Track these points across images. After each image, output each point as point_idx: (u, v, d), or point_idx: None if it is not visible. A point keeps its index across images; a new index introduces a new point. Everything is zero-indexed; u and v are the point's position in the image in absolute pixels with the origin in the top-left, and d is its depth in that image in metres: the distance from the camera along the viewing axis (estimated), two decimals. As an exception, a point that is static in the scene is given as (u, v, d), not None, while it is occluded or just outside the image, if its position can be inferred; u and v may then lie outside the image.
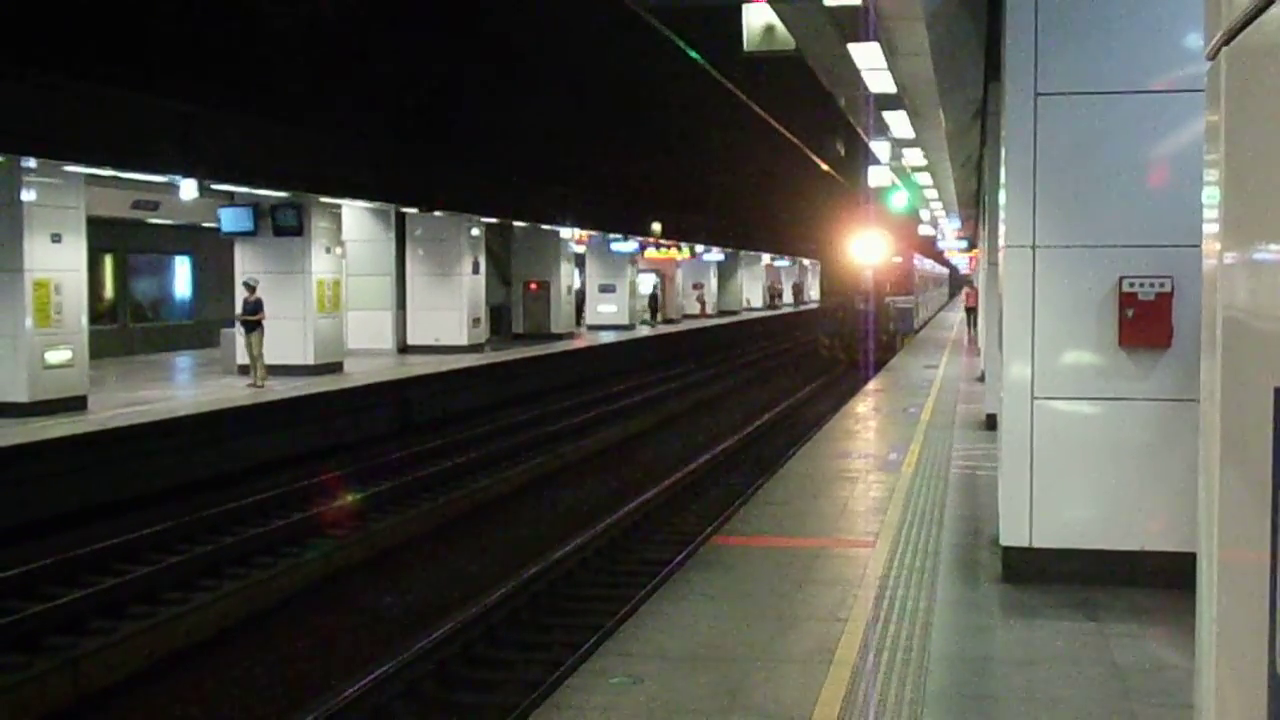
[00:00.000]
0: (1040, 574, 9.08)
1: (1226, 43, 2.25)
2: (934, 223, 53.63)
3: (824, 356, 43.39)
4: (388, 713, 10.06)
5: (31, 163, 18.71)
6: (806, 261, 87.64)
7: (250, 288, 24.10)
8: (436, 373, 27.66)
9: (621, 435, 25.78)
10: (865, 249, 42.33)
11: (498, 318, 39.87)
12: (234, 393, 22.34)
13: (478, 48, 34.20)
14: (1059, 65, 8.95)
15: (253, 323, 23.75)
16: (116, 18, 21.74)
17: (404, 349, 32.86)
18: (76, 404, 19.43)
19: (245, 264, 26.26)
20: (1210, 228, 2.41)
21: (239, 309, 24.33)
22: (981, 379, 21.99)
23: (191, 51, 23.41)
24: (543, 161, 36.56)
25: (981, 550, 10.34)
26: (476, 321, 33.85)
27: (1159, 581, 8.58)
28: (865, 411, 21.16)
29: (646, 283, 54.30)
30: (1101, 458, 9.08)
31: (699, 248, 57.91)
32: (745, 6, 13.13)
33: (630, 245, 46.86)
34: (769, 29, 13.15)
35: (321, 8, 27.63)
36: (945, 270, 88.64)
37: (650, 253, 53.59)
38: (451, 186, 30.74)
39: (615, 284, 47.52)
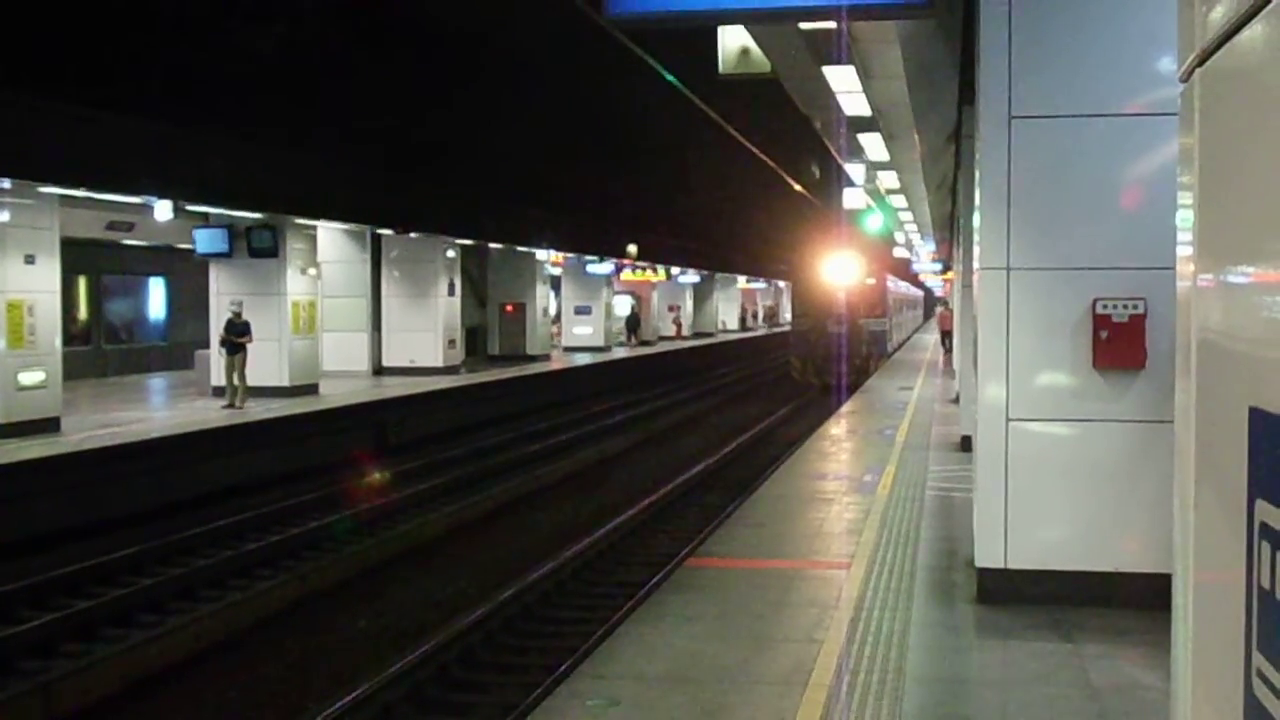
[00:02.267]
0: (1015, 595, 9.09)
1: (1200, 64, 2.27)
2: (909, 245, 53.80)
3: (796, 380, 42.38)
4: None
5: (5, 183, 18.63)
6: (782, 284, 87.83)
7: (236, 310, 24.03)
8: (412, 394, 27.59)
9: (597, 457, 25.76)
10: (837, 270, 41.61)
11: (473, 339, 39.86)
12: (209, 415, 22.26)
13: (454, 70, 34.23)
14: (1033, 88, 9.00)
15: (237, 345, 23.68)
16: (92, 38, 21.70)
17: (379, 371, 32.79)
18: (50, 426, 19.33)
19: (220, 285, 26.22)
20: (1184, 250, 2.42)
21: (221, 330, 24.22)
22: (956, 401, 22.04)
23: (167, 72, 23.36)
24: (519, 184, 36.59)
25: (957, 571, 10.35)
26: (452, 343, 33.81)
27: (1134, 602, 8.60)
28: (841, 433, 21.19)
29: (623, 305, 54.34)
30: (1076, 479, 9.10)
31: (674, 270, 58.00)
32: (721, 29, 13.17)
33: (606, 267, 46.92)
34: (744, 52, 13.19)
35: (298, 29, 27.62)
36: (920, 292, 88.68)
37: (626, 275, 53.64)
38: (427, 208, 30.74)
39: (591, 306, 47.55)
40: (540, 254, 40.48)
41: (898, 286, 55.53)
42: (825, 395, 36.52)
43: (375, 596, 14.66)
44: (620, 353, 47.53)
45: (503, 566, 15.90)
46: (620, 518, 17.73)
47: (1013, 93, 9.01)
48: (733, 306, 78.02)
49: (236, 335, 23.73)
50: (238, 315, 23.94)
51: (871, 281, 43.82)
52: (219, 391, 24.34)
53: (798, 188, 44.82)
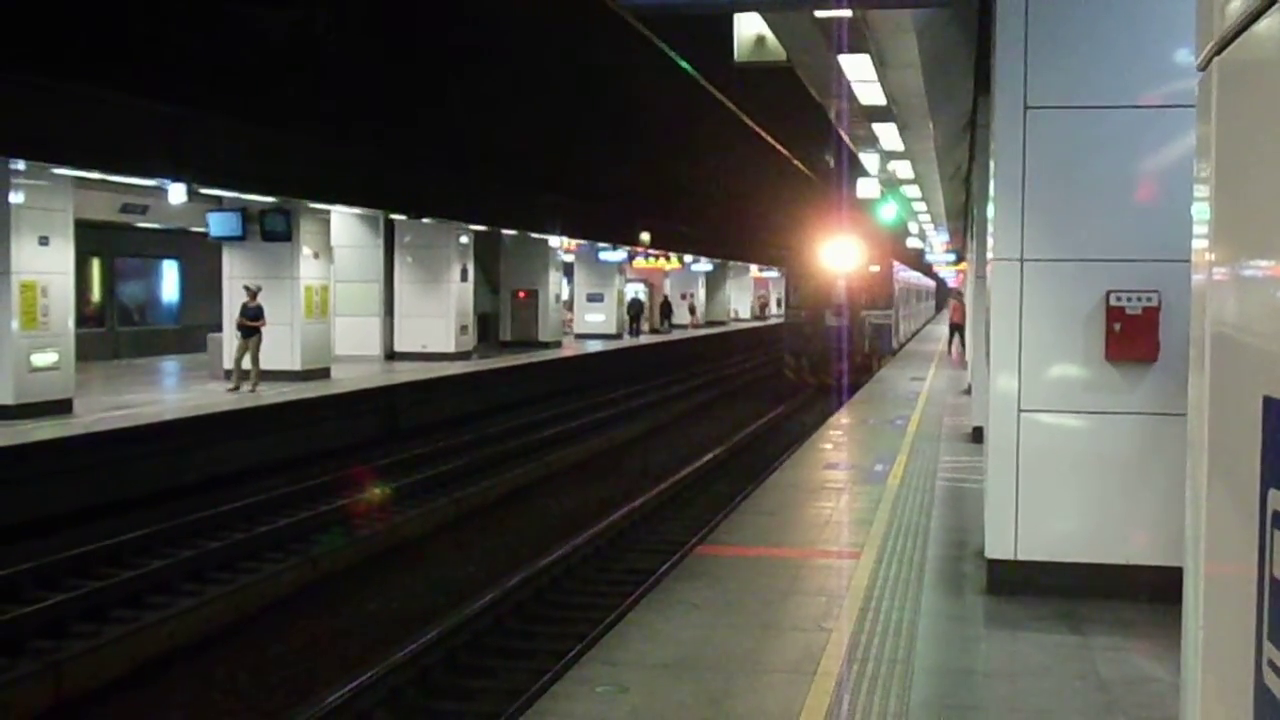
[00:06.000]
0: (1025, 586, 9.08)
1: (1218, 53, 2.26)
2: (922, 235, 53.62)
3: (790, 379, 38.29)
4: (369, 719, 10.04)
5: (20, 165, 18.67)
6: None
7: (252, 293, 24.05)
8: (423, 379, 27.62)
9: (607, 444, 25.77)
10: (837, 255, 37.61)
11: (485, 325, 39.87)
12: (220, 398, 22.30)
13: (468, 55, 34.20)
14: (1049, 79, 8.97)
15: (250, 328, 23.71)
16: (106, 19, 21.70)
17: (391, 355, 32.82)
18: (62, 407, 19.37)
19: (233, 269, 26.28)
20: (1200, 241, 2.41)
21: (237, 313, 24.27)
22: (968, 392, 22.01)
23: (181, 55, 23.38)
24: (533, 170, 36.55)
25: (967, 562, 10.34)
26: (464, 329, 33.83)
27: (1144, 595, 8.59)
28: (852, 423, 21.17)
29: (634, 292, 54.27)
30: (1087, 471, 9.09)
31: (688, 258, 57.98)
32: (737, 17, 13.15)
33: (619, 254, 46.90)
34: (760, 40, 13.17)
35: (313, 14, 27.61)
36: (931, 283, 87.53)
37: (639, 262, 53.61)
38: (440, 193, 30.75)
39: (603, 293, 47.52)
40: (553, 240, 40.47)
41: (907, 276, 52.13)
42: (825, 394, 34.13)
43: (384, 581, 14.68)
44: (633, 340, 47.55)
45: (512, 552, 15.93)
46: (630, 505, 17.74)
47: (1029, 83, 8.98)
48: (745, 295, 78.03)
49: (249, 319, 23.76)
50: (252, 298, 23.95)
51: (876, 269, 39.33)
52: (229, 374, 24.36)
53: (799, 165, 44.18)
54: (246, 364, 23.65)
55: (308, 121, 25.66)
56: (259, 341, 23.76)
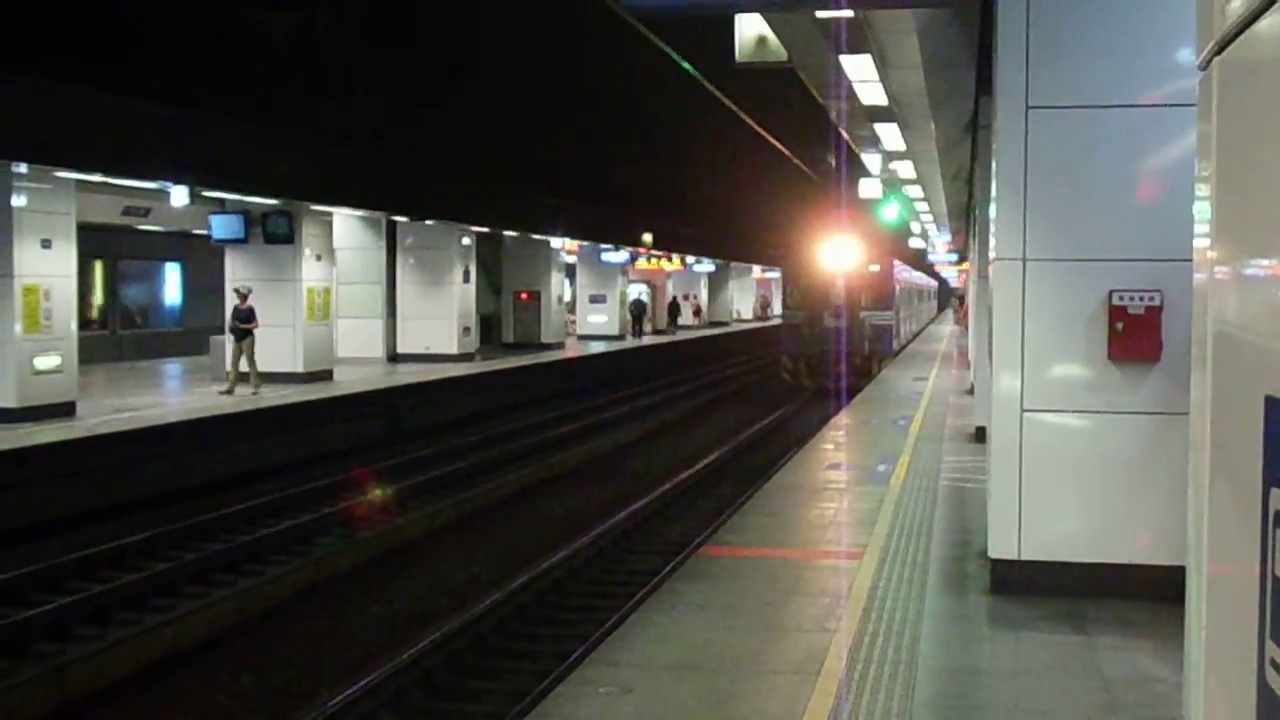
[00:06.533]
0: (1028, 586, 9.08)
1: (1218, 52, 2.26)
2: (924, 235, 53.53)
3: (786, 381, 37.19)
4: (374, 721, 10.04)
5: (22, 168, 18.66)
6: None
7: (242, 295, 24.01)
8: (425, 381, 27.62)
9: (610, 446, 25.77)
10: (836, 254, 36.32)
11: (488, 327, 39.84)
12: (223, 400, 22.29)
13: (469, 56, 34.21)
14: (1050, 79, 8.97)
15: (243, 331, 23.68)
16: (108, 22, 21.72)
17: (394, 357, 32.82)
18: (65, 410, 19.37)
19: (235, 271, 26.25)
20: (1201, 240, 2.41)
21: (229, 316, 24.26)
22: (971, 392, 21.99)
23: (183, 57, 23.40)
24: (535, 171, 36.55)
25: (970, 562, 10.34)
26: (467, 330, 33.82)
27: (1147, 594, 8.58)
28: (854, 423, 21.15)
29: (637, 293, 54.28)
30: (1090, 471, 9.08)
31: (690, 258, 57.95)
32: (738, 18, 13.16)
33: (621, 255, 46.86)
34: (761, 40, 13.17)
35: (313, 15, 27.63)
36: (934, 283, 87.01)
37: (641, 263, 53.58)
38: (442, 195, 30.74)
39: (606, 294, 47.47)
40: (555, 242, 40.46)
41: (909, 276, 50.48)
42: (826, 396, 33.00)
43: (388, 582, 14.69)
44: (635, 341, 47.52)
45: (516, 554, 15.92)
46: (633, 506, 17.73)
47: (1030, 83, 8.98)
48: (747, 296, 78.00)
49: (241, 321, 23.72)
50: (242, 300, 23.90)
51: (876, 269, 37.97)
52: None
53: (800, 165, 43.98)
54: (244, 366, 23.60)
55: (309, 123, 25.67)
56: (253, 343, 23.71)
